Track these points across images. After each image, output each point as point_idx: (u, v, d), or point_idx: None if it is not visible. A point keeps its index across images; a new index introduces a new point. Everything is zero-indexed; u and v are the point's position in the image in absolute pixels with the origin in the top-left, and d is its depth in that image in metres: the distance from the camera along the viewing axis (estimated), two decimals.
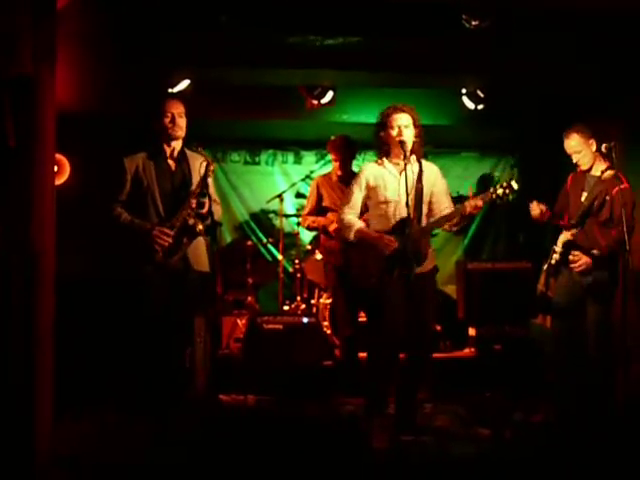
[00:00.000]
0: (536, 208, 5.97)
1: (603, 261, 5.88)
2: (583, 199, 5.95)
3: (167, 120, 5.55)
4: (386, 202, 5.50)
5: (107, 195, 5.60)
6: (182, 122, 5.58)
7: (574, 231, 5.86)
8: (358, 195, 5.60)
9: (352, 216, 5.60)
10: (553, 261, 6.00)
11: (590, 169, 5.99)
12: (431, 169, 5.61)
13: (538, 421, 5.77)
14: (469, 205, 5.32)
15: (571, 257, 5.90)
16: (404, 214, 5.33)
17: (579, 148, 5.95)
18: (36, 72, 4.25)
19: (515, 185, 5.32)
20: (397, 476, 4.53)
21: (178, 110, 5.57)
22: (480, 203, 5.30)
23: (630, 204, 5.74)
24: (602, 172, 5.86)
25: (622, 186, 5.73)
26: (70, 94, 5.83)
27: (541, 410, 5.92)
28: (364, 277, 5.45)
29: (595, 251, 5.84)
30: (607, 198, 5.84)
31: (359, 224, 5.57)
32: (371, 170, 5.61)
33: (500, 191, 5.33)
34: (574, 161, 6.01)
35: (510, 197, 5.34)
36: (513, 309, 7.75)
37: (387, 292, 5.39)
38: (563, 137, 6.01)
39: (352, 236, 5.55)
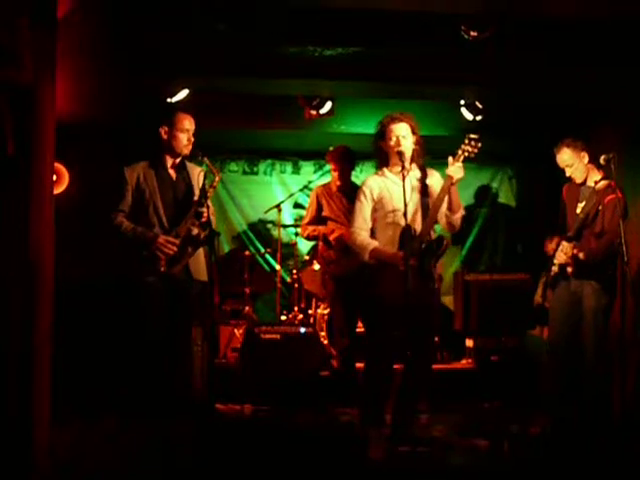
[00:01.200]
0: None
1: (589, 270, 5.89)
2: (579, 211, 5.95)
3: (185, 137, 5.53)
4: (394, 211, 5.44)
5: (106, 204, 5.59)
6: (192, 139, 5.59)
7: (572, 244, 5.85)
8: (367, 209, 5.51)
9: (365, 235, 5.48)
10: (552, 273, 6.00)
11: (585, 181, 6.01)
12: (433, 174, 5.59)
13: (535, 432, 5.76)
14: (449, 172, 5.34)
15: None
16: (409, 222, 5.31)
17: (571, 161, 5.97)
18: (36, 81, 4.25)
19: (475, 135, 5.36)
20: None
21: (193, 128, 5.57)
22: (459, 163, 5.32)
23: (621, 214, 5.65)
24: (596, 182, 5.87)
25: (614, 196, 5.74)
26: (69, 103, 5.84)
27: (538, 421, 5.92)
28: (393, 296, 5.36)
29: (581, 254, 5.85)
30: (600, 208, 5.85)
31: (373, 244, 5.46)
32: (374, 182, 5.56)
33: (468, 147, 5.35)
34: (567, 174, 6.03)
35: (479, 147, 5.36)
36: (510, 320, 7.76)
37: (385, 300, 5.38)
38: (554, 152, 6.03)
39: (367, 257, 5.45)
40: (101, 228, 5.70)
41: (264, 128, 8.68)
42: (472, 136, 5.36)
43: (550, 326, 6.18)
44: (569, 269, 5.90)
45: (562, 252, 5.88)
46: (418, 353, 5.43)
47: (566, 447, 5.20)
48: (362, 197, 5.55)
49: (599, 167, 5.89)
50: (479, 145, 5.35)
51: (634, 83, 6.54)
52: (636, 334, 5.83)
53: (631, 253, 5.63)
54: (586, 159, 5.94)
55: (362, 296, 5.77)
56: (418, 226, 5.38)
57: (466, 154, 5.34)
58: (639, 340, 5.87)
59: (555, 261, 5.98)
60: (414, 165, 5.49)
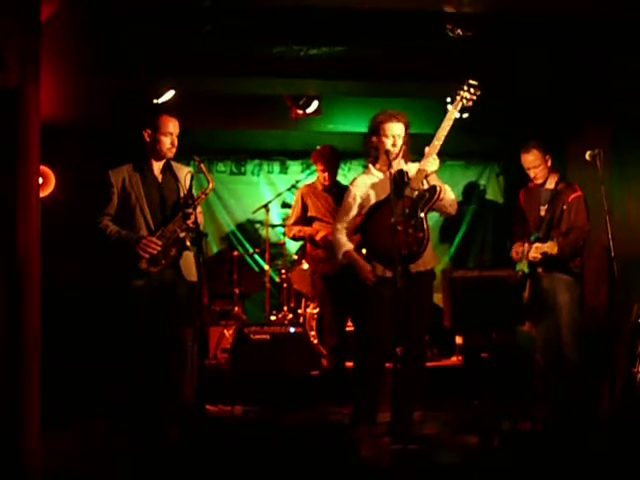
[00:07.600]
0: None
1: (559, 264, 5.98)
2: (543, 213, 6.03)
3: (168, 140, 5.50)
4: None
5: (93, 207, 5.57)
6: (176, 142, 5.56)
7: (548, 244, 5.90)
8: (353, 210, 5.58)
9: (343, 235, 5.56)
10: (520, 274, 6.09)
11: (544, 183, 6.09)
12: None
13: (526, 429, 5.78)
14: (422, 166, 5.35)
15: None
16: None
17: (537, 163, 6.11)
18: (21, 84, 4.24)
19: (475, 82, 5.41)
20: None
21: (177, 131, 5.54)
22: (453, 111, 5.39)
23: (585, 210, 5.98)
24: (556, 184, 5.98)
25: (577, 194, 5.97)
26: (55, 106, 5.82)
27: (529, 418, 5.93)
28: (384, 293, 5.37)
29: (547, 248, 5.89)
30: (564, 208, 5.94)
31: (348, 246, 5.52)
32: (360, 182, 5.60)
33: (467, 94, 5.41)
34: (531, 176, 6.15)
35: (477, 94, 5.41)
36: (500, 317, 7.75)
37: (373, 297, 5.40)
38: (521, 152, 6.12)
39: (340, 256, 5.55)
40: (88, 230, 5.68)
41: (251, 128, 8.67)
42: (472, 82, 5.38)
43: (534, 321, 6.26)
44: (539, 269, 5.98)
45: (535, 252, 5.93)
46: (410, 351, 5.45)
47: (557, 443, 5.21)
48: (350, 198, 5.60)
49: (554, 170, 6.08)
50: (478, 93, 5.38)
51: (620, 79, 6.57)
52: (624, 329, 5.86)
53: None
54: (549, 162, 6.11)
55: (352, 294, 5.78)
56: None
57: (464, 101, 5.37)
58: (627, 335, 5.90)
59: (522, 262, 6.04)
60: (402, 161, 5.49)
